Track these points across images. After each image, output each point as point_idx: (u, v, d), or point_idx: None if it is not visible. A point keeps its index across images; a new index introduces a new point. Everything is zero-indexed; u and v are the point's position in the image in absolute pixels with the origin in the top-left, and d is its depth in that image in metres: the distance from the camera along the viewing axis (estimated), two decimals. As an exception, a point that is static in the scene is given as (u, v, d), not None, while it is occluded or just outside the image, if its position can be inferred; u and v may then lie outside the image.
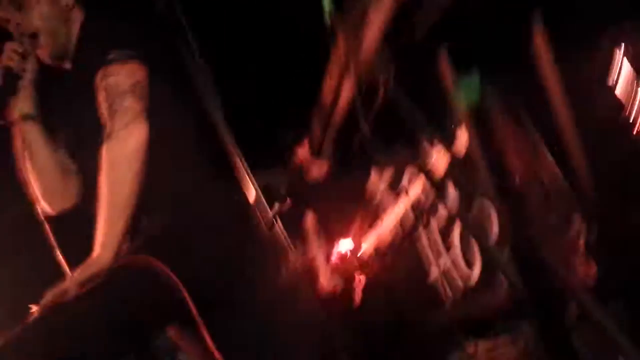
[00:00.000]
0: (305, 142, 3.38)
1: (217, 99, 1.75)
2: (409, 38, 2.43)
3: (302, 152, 3.34)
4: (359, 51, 2.45)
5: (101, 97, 1.87)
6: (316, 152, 3.14)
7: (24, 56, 1.96)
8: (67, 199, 2.08)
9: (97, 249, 1.78)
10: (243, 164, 1.71)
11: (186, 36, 1.77)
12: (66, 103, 2.03)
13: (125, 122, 1.81)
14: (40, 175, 2.05)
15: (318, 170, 3.12)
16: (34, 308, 1.74)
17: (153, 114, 1.86)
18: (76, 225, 1.95)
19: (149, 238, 1.86)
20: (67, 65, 2.05)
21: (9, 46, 1.95)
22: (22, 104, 1.99)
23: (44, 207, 2.07)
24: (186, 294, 1.73)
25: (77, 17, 2.04)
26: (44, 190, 2.06)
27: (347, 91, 2.69)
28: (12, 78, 1.94)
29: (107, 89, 1.86)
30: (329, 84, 2.85)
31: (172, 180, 1.92)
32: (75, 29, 2.02)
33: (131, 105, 1.83)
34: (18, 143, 2.02)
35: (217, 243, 1.90)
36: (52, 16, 1.99)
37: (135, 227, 1.83)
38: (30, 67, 1.98)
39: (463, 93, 2.50)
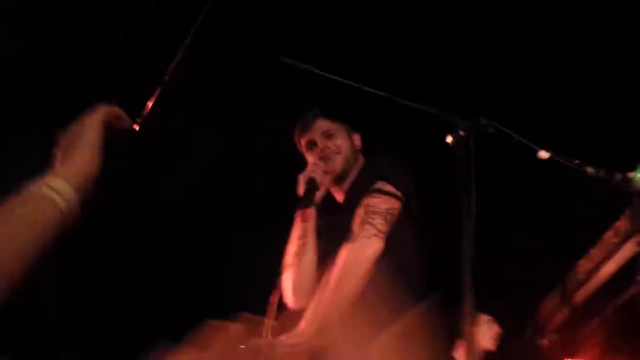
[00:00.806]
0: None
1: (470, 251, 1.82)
2: None
3: None
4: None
5: (359, 211, 2.27)
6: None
7: (326, 172, 2.43)
8: (308, 300, 2.29)
9: (303, 324, 2.06)
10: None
11: (468, 193, 1.87)
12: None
13: (370, 234, 2.18)
14: (298, 273, 2.38)
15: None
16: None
17: (391, 241, 2.21)
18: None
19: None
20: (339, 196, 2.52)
21: (315, 165, 2.43)
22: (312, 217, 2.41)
23: (286, 297, 2.37)
24: None
25: (360, 161, 2.55)
26: (295, 287, 2.38)
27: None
28: (318, 187, 2.39)
29: (366, 206, 2.27)
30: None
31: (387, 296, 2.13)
32: (357, 164, 2.52)
33: (379, 223, 2.21)
34: (297, 232, 2.41)
35: None
36: (350, 149, 2.52)
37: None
38: (327, 181, 2.45)
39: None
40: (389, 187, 2.29)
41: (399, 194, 2.30)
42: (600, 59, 3.82)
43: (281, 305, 2.32)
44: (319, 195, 2.41)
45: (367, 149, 2.61)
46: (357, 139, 2.59)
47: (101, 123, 1.11)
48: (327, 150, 2.47)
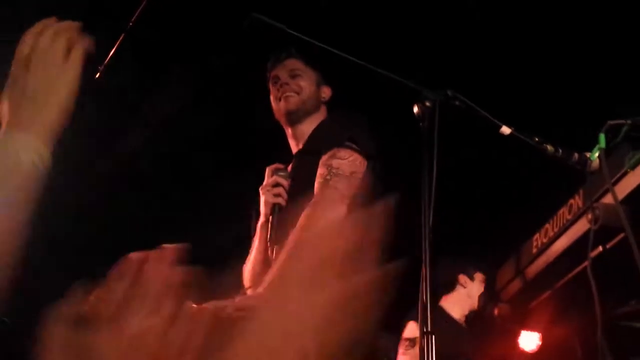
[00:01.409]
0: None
1: (429, 216, 1.83)
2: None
3: None
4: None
5: (321, 171, 2.19)
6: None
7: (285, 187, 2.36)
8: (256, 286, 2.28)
9: (261, 287, 2.00)
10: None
11: (431, 158, 1.92)
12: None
13: (332, 198, 2.11)
14: (256, 263, 2.33)
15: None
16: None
17: (355, 204, 2.12)
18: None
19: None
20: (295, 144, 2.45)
21: (281, 185, 2.35)
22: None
23: (245, 278, 2.32)
24: None
25: (322, 111, 2.49)
26: (252, 274, 2.31)
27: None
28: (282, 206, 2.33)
29: (330, 167, 2.18)
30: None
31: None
32: (316, 117, 2.45)
33: (343, 187, 2.13)
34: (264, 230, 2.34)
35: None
36: (312, 94, 2.45)
37: None
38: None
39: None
40: (355, 149, 2.23)
41: (364, 156, 2.24)
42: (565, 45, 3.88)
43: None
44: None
45: (334, 107, 2.57)
46: (325, 91, 2.53)
47: (80, 67, 1.03)
48: (286, 87, 2.44)
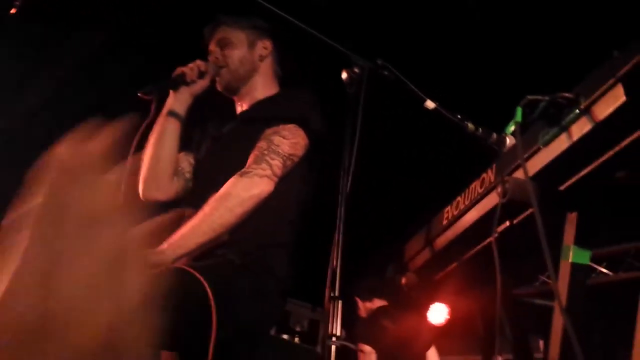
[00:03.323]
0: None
1: (347, 183, 1.84)
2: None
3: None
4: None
5: (261, 144, 2.17)
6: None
7: (201, 74, 2.32)
8: (162, 192, 2.28)
9: (166, 244, 1.93)
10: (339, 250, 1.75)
11: (354, 125, 1.91)
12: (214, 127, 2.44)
13: (264, 174, 2.09)
14: (154, 161, 2.26)
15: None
16: None
17: (286, 180, 2.16)
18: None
19: (210, 266, 1.96)
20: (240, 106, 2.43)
21: (197, 62, 2.32)
22: (178, 103, 2.31)
23: (139, 187, 2.26)
24: (214, 318, 1.79)
25: (264, 70, 2.45)
26: (149, 175, 2.26)
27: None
28: (180, 81, 2.30)
29: (270, 142, 2.16)
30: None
31: (266, 238, 2.14)
32: (257, 79, 2.42)
33: (276, 166, 2.12)
34: (155, 128, 2.27)
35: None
36: (243, 60, 2.40)
37: (209, 252, 2.02)
38: (200, 84, 2.33)
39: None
40: (300, 132, 2.21)
41: (307, 140, 2.23)
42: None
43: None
44: (197, 87, 2.33)
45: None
46: (264, 46, 2.46)
47: None
48: (215, 61, 2.39)
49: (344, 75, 2.01)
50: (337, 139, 1.93)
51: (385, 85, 2.02)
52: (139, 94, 2.17)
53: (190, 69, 2.31)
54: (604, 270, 3.75)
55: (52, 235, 0.95)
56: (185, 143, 2.40)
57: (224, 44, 2.41)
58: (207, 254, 2.04)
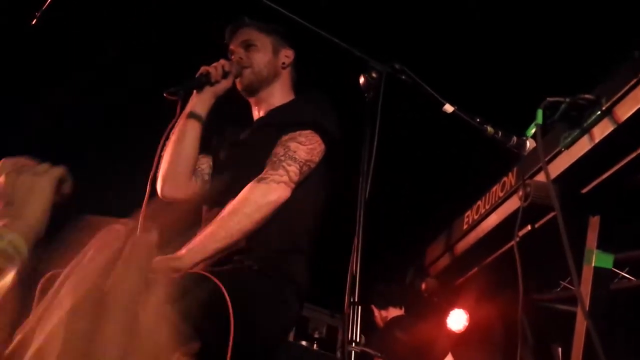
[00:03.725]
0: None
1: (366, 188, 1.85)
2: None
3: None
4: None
5: (278, 150, 2.17)
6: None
7: (225, 74, 2.32)
8: (180, 191, 2.28)
9: (184, 249, 1.94)
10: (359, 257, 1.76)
11: (373, 130, 1.92)
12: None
13: (281, 180, 2.09)
14: (173, 160, 2.26)
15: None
16: None
17: (303, 186, 2.17)
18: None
19: (228, 272, 1.98)
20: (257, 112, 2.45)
21: (221, 61, 2.34)
22: (201, 103, 2.31)
23: (158, 186, 2.26)
24: (232, 323, 1.79)
25: (284, 77, 2.46)
26: (168, 173, 2.26)
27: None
28: (205, 81, 2.30)
29: (287, 148, 2.17)
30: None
31: (284, 243, 2.14)
32: (276, 86, 2.43)
33: (293, 172, 2.13)
34: (176, 128, 2.28)
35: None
36: (267, 64, 2.40)
37: (227, 257, 2.03)
38: (224, 84, 2.34)
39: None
40: (317, 138, 2.21)
41: (324, 146, 2.23)
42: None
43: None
44: (220, 87, 2.33)
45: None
46: (287, 54, 2.47)
47: (53, 187, 1.27)
48: (239, 61, 2.39)
49: (362, 80, 2.00)
50: (355, 143, 1.92)
51: (403, 89, 2.01)
52: (165, 95, 2.19)
53: (215, 69, 2.31)
54: (627, 275, 3.69)
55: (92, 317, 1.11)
56: (204, 148, 2.40)
57: (248, 46, 2.42)
58: (225, 260, 2.04)
